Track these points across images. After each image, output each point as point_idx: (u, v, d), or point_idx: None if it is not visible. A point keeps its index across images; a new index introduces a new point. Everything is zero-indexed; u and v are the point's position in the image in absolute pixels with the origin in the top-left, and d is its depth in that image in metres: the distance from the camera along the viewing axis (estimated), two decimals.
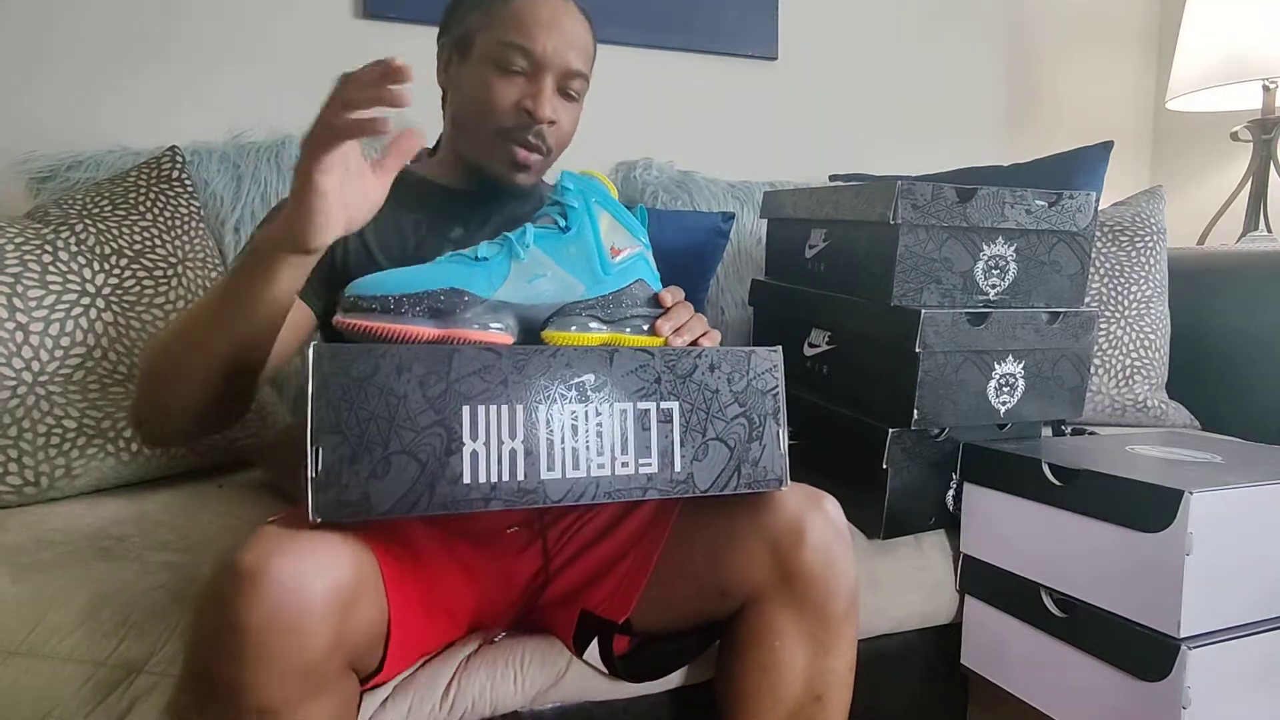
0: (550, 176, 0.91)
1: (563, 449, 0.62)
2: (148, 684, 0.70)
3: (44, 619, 0.72)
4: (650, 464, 0.64)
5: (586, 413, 0.63)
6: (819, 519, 0.72)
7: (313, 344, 0.57)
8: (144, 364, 0.73)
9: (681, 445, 0.65)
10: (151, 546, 0.84)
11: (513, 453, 0.60)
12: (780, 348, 0.70)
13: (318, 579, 0.56)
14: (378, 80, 0.56)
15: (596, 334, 0.69)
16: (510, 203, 0.92)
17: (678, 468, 0.65)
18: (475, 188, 0.90)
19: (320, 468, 0.56)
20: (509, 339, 0.67)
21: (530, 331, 0.69)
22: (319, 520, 0.56)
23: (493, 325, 0.66)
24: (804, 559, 0.71)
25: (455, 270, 0.66)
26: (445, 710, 0.76)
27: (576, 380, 0.63)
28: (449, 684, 0.77)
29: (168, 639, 0.72)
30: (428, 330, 0.63)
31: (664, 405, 0.65)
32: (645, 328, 0.72)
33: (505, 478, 0.60)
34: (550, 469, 0.61)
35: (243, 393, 0.73)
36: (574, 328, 0.68)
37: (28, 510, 0.94)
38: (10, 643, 0.70)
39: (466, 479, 0.59)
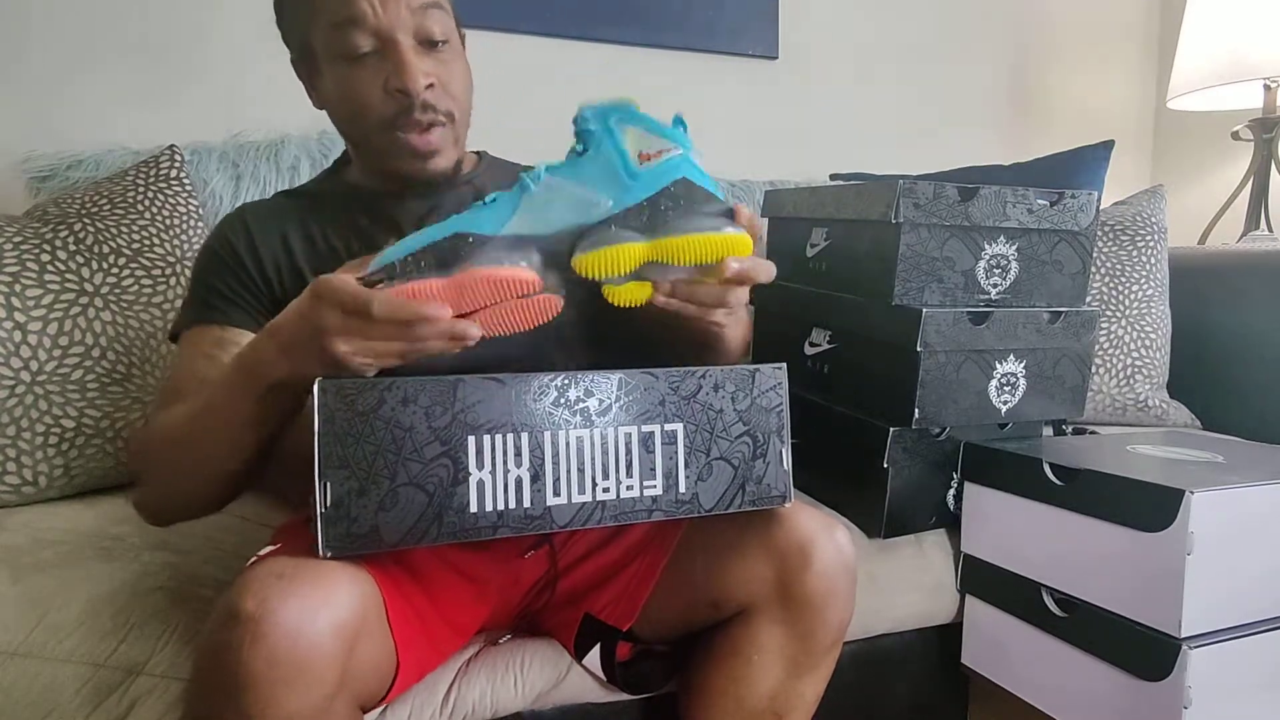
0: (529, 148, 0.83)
1: (568, 474, 0.62)
2: (147, 685, 0.70)
3: (43, 619, 0.72)
4: (655, 486, 0.65)
5: (592, 437, 0.63)
6: (829, 546, 0.71)
7: (318, 380, 0.57)
8: (152, 467, 0.71)
9: (686, 466, 0.65)
10: (151, 546, 0.84)
11: (519, 480, 0.61)
12: (784, 364, 0.69)
13: (322, 620, 0.54)
14: (448, 341, 0.56)
15: (632, 243, 0.59)
16: (449, 193, 0.84)
17: (682, 488, 0.65)
18: (400, 188, 0.83)
19: (329, 502, 0.57)
20: (529, 274, 0.58)
21: (562, 269, 0.61)
22: (329, 555, 0.57)
23: (506, 261, 0.58)
24: (807, 583, 0.70)
25: (458, 219, 0.59)
26: (446, 715, 0.76)
27: (582, 405, 0.63)
28: (449, 689, 0.77)
29: (168, 640, 0.72)
30: (436, 282, 0.57)
31: (668, 427, 0.65)
32: (710, 226, 0.60)
33: (512, 505, 0.61)
34: (556, 494, 0.62)
35: (268, 455, 0.71)
36: (606, 245, 0.59)
37: (27, 510, 0.94)
38: (9, 644, 0.70)
39: (474, 508, 0.60)
